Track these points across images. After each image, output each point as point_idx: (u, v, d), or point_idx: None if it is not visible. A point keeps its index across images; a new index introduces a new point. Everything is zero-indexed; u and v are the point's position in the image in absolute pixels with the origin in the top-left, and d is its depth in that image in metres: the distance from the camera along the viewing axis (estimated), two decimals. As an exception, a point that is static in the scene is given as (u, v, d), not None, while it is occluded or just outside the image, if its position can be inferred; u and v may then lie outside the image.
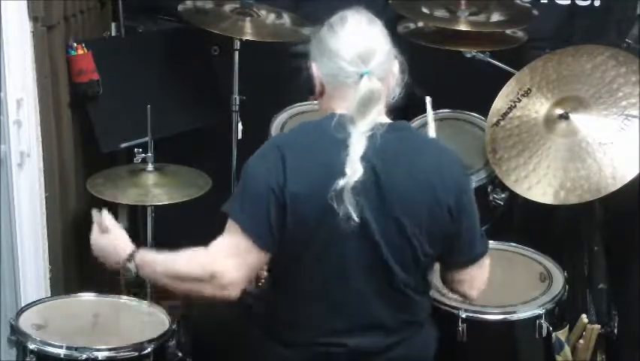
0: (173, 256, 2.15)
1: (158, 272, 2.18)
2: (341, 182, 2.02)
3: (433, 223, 2.12)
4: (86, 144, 3.42)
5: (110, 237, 2.26)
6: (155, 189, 3.11)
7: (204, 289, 2.11)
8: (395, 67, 2.17)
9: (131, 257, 2.20)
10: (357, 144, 2.04)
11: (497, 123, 3.21)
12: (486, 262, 2.31)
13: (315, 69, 2.17)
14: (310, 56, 2.19)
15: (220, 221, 2.15)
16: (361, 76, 2.08)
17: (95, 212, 2.33)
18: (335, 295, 2.13)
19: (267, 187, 2.06)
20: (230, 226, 2.11)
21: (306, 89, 2.29)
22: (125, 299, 2.83)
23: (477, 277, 2.30)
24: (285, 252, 2.10)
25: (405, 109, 3.35)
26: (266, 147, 2.15)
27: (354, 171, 2.02)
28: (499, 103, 3.23)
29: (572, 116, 3.11)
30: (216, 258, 2.10)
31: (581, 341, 2.88)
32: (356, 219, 2.04)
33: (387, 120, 2.15)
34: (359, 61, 2.09)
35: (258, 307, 2.30)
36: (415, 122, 3.35)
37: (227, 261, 2.09)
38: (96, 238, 2.28)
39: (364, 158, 2.04)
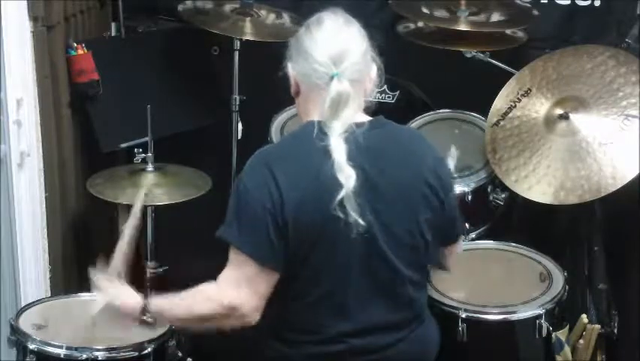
0: (189, 299, 2.14)
1: (180, 319, 2.20)
2: (342, 192, 2.02)
3: (427, 210, 2.15)
4: (85, 144, 3.42)
5: (118, 298, 2.22)
6: (155, 189, 3.11)
7: (227, 323, 2.11)
8: (372, 69, 2.18)
9: (145, 311, 2.18)
10: (338, 148, 2.05)
11: (497, 123, 3.20)
12: (460, 239, 2.43)
13: (291, 69, 2.19)
14: (287, 56, 2.20)
15: (220, 222, 2.14)
16: (331, 78, 2.08)
17: (91, 272, 2.28)
18: (340, 299, 2.13)
19: (263, 207, 2.04)
20: (233, 253, 2.09)
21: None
22: (125, 299, 2.83)
23: (454, 252, 2.38)
24: (289, 262, 2.09)
25: (405, 109, 3.37)
26: (253, 165, 2.13)
27: (347, 176, 2.03)
28: (499, 103, 3.23)
29: (572, 116, 3.11)
30: (228, 291, 2.08)
31: (581, 341, 2.88)
32: (362, 223, 2.05)
33: (366, 118, 2.16)
34: (330, 62, 2.09)
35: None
36: (415, 123, 3.35)
37: (239, 291, 2.08)
38: (103, 307, 2.25)
39: (350, 159, 2.04)
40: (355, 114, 2.12)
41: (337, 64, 2.09)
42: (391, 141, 2.17)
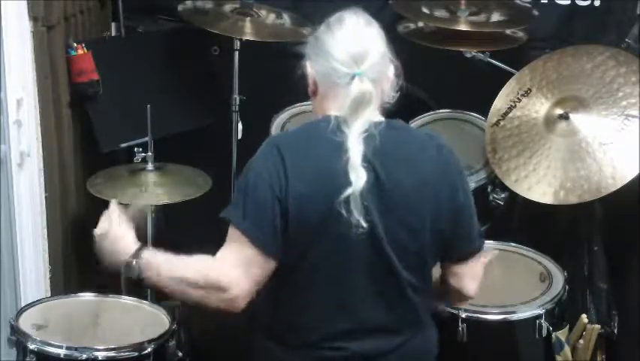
0: (181, 261, 2.10)
1: (163, 275, 2.10)
2: (349, 190, 2.01)
3: (435, 220, 2.12)
4: (85, 144, 3.42)
5: (117, 233, 2.18)
6: (155, 188, 3.11)
7: (210, 300, 2.07)
8: (390, 70, 2.17)
9: (136, 256, 2.12)
10: (355, 148, 2.04)
11: (497, 123, 3.21)
12: (482, 258, 2.30)
13: (310, 68, 2.17)
14: (306, 55, 2.18)
15: (220, 221, 2.13)
16: (353, 77, 2.08)
17: (112, 202, 2.26)
18: (338, 298, 2.12)
19: (271, 192, 2.04)
20: (234, 234, 2.07)
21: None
22: (125, 299, 2.84)
23: (474, 269, 2.27)
24: (287, 256, 2.08)
25: (405, 109, 3.37)
26: (266, 148, 2.12)
27: (358, 177, 2.02)
28: (499, 103, 3.23)
29: (572, 116, 3.11)
30: (223, 269, 2.06)
31: (581, 341, 2.88)
32: (364, 224, 2.04)
33: (382, 118, 2.14)
34: (352, 62, 2.09)
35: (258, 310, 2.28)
36: (415, 123, 3.35)
37: (234, 272, 2.05)
38: (102, 232, 2.20)
39: (365, 159, 2.04)
40: (373, 114, 2.11)
41: (359, 63, 2.08)
42: (406, 146, 2.14)
